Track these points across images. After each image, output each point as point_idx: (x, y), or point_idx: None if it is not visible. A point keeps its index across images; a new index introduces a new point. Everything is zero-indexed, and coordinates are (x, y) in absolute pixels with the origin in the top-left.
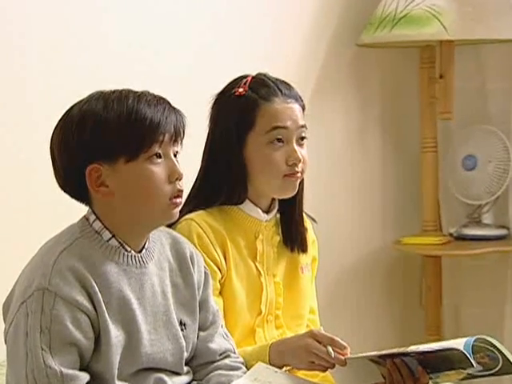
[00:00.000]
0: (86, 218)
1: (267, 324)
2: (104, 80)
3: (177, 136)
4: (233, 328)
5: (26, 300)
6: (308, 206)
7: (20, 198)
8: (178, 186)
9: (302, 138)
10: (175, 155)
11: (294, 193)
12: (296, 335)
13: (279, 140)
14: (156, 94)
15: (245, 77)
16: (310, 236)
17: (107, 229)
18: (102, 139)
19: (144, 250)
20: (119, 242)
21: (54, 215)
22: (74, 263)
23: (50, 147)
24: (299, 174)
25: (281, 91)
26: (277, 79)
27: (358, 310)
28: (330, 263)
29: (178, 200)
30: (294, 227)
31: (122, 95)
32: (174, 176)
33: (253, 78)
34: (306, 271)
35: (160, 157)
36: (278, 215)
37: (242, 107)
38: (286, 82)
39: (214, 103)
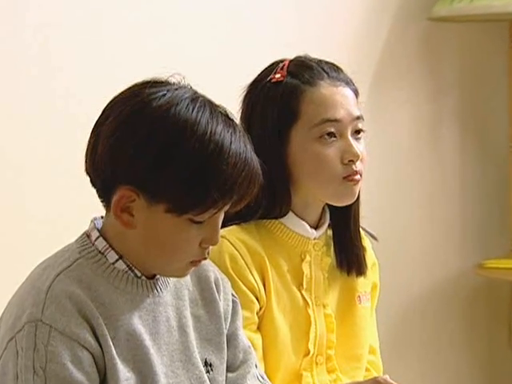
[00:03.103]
0: (86, 234)
1: (316, 367)
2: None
3: (236, 204)
4: (274, 371)
5: (15, 335)
6: (366, 221)
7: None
8: (206, 254)
9: (358, 132)
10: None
11: (353, 200)
12: (355, 383)
13: (331, 134)
14: (242, 136)
15: (281, 61)
16: (370, 257)
17: (113, 249)
18: (161, 170)
19: (158, 275)
20: (127, 265)
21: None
22: (72, 289)
23: (97, 127)
24: (359, 176)
25: (327, 73)
26: (320, 60)
27: (430, 352)
28: (394, 292)
29: (199, 263)
30: (349, 244)
31: (213, 113)
32: (208, 243)
33: (291, 61)
34: (364, 301)
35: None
36: (329, 232)
37: (282, 96)
38: (332, 63)
39: (246, 96)
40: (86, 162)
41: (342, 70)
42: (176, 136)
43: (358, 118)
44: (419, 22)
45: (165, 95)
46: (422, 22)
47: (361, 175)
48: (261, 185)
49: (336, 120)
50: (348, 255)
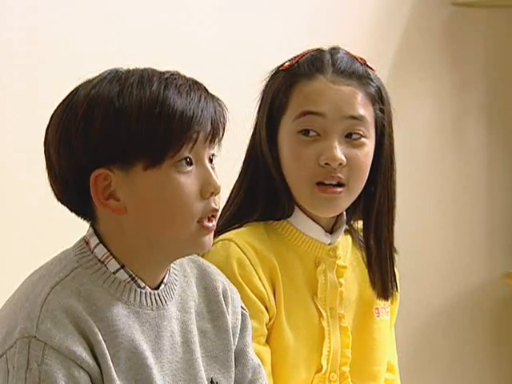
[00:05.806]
0: (85, 241)
1: None
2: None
3: (214, 135)
4: None
5: (6, 351)
6: None
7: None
8: (213, 205)
9: (352, 135)
10: (211, 160)
11: (332, 214)
12: None
13: (311, 132)
14: (188, 76)
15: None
16: None
17: (114, 257)
18: (114, 136)
19: (162, 286)
20: (130, 275)
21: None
22: (70, 302)
23: (45, 144)
24: (338, 189)
25: (333, 66)
26: (347, 54)
27: (453, 370)
28: (415, 304)
29: (211, 224)
30: (373, 262)
31: (145, 77)
32: (208, 190)
33: (315, 50)
34: (383, 314)
35: (191, 163)
36: (345, 236)
37: (278, 85)
38: (356, 58)
39: (265, 84)
40: (53, 190)
41: (360, 65)
42: (112, 96)
43: (355, 117)
44: (442, 7)
45: (90, 81)
46: (445, 7)
47: (343, 185)
48: (227, 108)
49: (317, 113)
50: (373, 274)
